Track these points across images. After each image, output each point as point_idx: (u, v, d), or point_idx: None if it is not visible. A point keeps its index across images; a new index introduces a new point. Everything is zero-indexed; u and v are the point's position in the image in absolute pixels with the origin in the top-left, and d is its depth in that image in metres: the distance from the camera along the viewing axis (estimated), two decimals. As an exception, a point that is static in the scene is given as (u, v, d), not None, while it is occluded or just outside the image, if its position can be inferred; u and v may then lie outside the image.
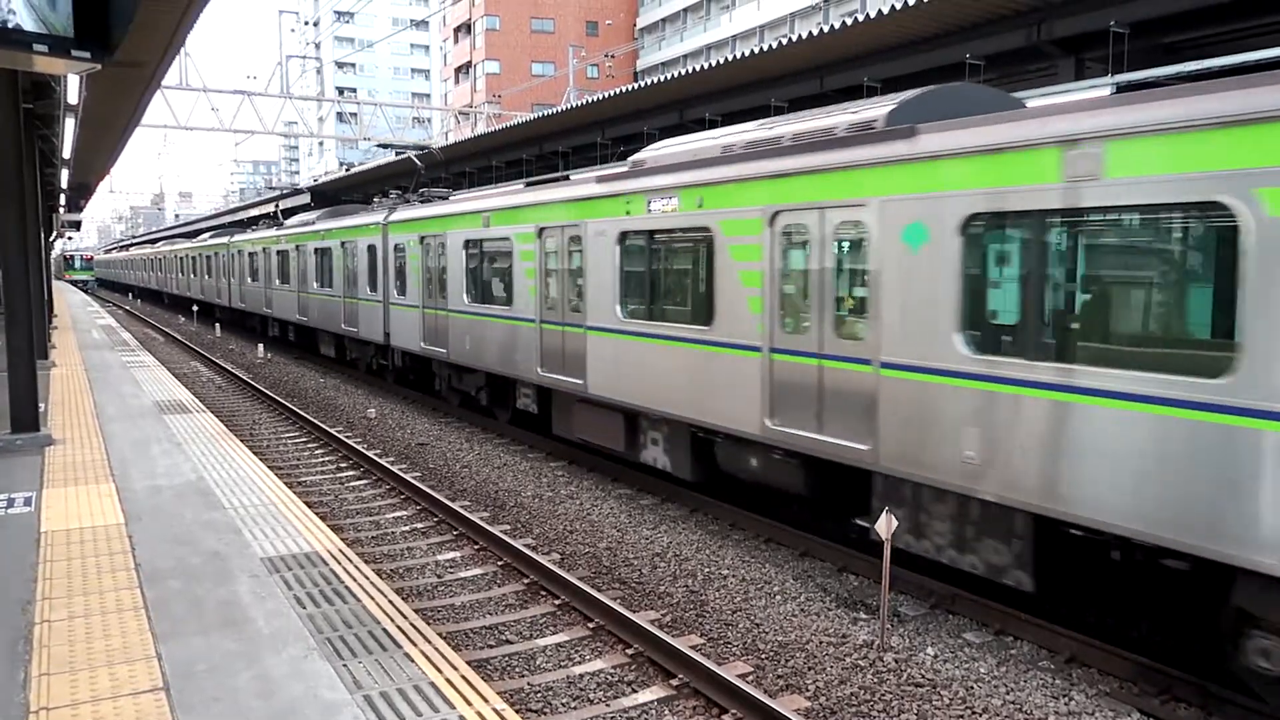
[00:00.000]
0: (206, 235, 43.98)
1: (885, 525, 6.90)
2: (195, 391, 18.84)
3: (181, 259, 47.47)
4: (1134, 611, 7.25)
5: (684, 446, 10.17)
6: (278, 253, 27.32)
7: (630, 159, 11.09)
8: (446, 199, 17.51)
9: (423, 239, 16.45)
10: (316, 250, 23.42)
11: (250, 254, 31.06)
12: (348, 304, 20.88)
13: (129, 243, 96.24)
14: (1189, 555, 5.57)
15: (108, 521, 6.77)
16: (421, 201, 18.73)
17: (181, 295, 47.63)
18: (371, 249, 19.25)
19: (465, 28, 78.40)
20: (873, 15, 12.26)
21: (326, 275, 22.62)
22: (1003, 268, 6.77)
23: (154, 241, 73.38)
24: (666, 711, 6.03)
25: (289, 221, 27.53)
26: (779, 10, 61.37)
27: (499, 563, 8.86)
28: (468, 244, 14.66)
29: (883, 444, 7.39)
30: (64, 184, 26.44)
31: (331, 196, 37.05)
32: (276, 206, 40.22)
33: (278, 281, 27.44)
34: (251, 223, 42.28)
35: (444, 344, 15.60)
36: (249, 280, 31.47)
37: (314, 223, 24.12)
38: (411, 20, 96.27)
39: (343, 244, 21.12)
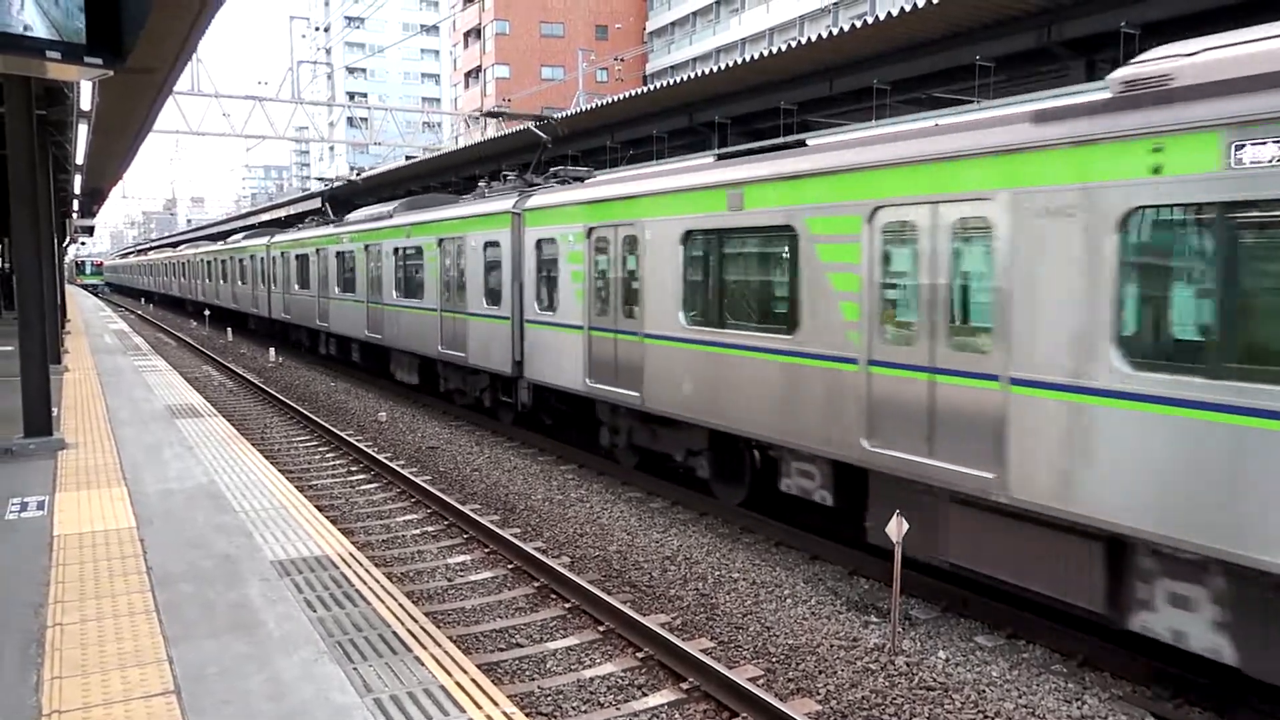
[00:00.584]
0: (239, 236, 38.67)
1: (896, 528, 6.87)
2: (207, 395, 18.92)
3: (208, 263, 41.80)
4: None
5: None
6: (338, 255, 22.67)
7: (1117, 75, 6.28)
8: (583, 181, 13.59)
9: (591, 232, 11.82)
10: (398, 250, 18.70)
11: (298, 256, 26.32)
12: (448, 320, 16.29)
13: (147, 246, 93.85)
14: None
15: (120, 525, 6.80)
16: (559, 183, 14.38)
17: (209, 304, 42.40)
18: (492, 247, 14.61)
19: (475, 32, 78.66)
20: (882, 18, 12.24)
21: (413, 282, 18.09)
22: None
23: (175, 245, 67.82)
24: (677, 715, 6.02)
25: (352, 216, 23.09)
26: (788, 13, 61.37)
27: (509, 566, 8.86)
28: (691, 238, 10.06)
29: None
30: (77, 190, 26.60)
31: (344, 199, 36.72)
32: (324, 201, 34.60)
33: (337, 290, 22.72)
34: (290, 221, 38.10)
35: (633, 383, 10.95)
36: (295, 288, 26.65)
37: (391, 216, 19.60)
38: (422, 26, 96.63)
39: (440, 241, 16.53)
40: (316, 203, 37.31)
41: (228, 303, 37.79)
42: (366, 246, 20.58)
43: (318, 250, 24.43)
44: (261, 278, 31.38)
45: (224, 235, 50.67)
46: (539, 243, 13.28)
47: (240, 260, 34.76)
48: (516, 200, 14.06)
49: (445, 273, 16.49)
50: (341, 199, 36.58)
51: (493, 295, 14.68)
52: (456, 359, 16.02)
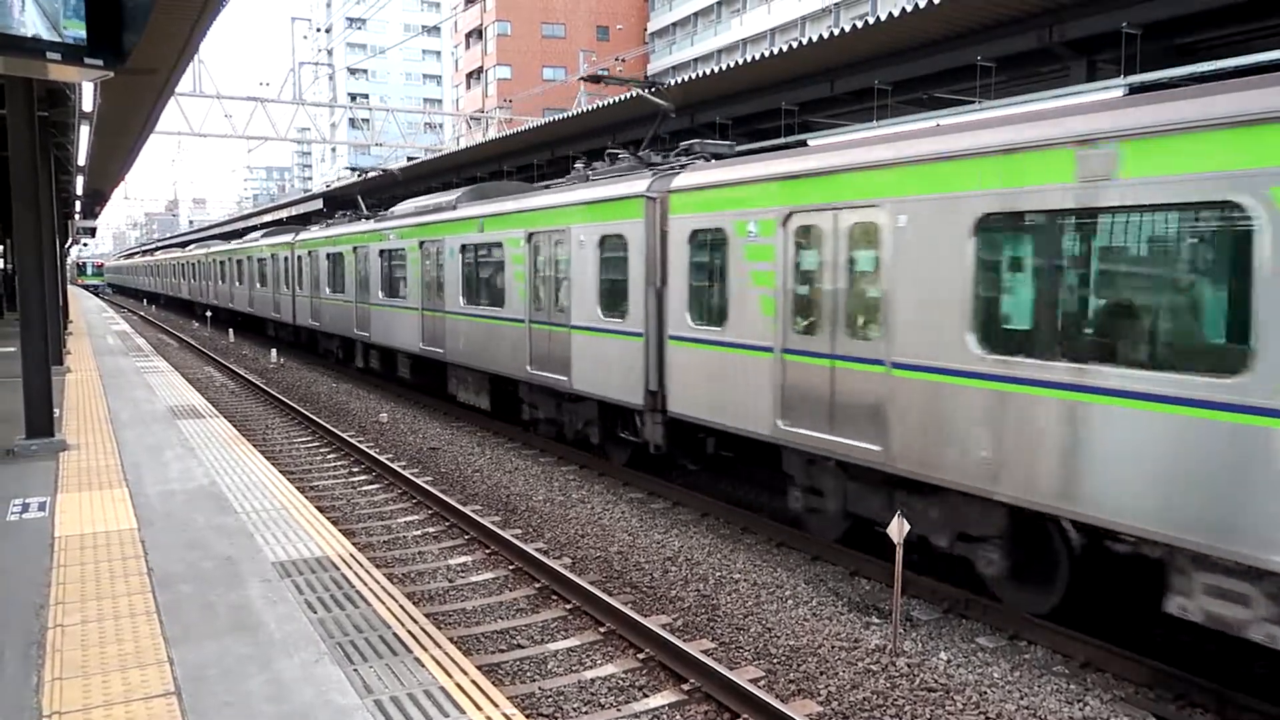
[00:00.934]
0: (257, 234, 35.19)
1: (897, 529, 6.87)
2: (208, 396, 18.94)
3: (221, 263, 38.31)
4: None
5: None
6: (382, 253, 19.69)
7: None
8: (723, 158, 10.70)
9: (789, 219, 8.67)
10: (466, 248, 15.65)
11: (330, 256, 23.38)
12: (540, 334, 13.20)
13: (153, 245, 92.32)
14: None
15: (121, 526, 6.81)
16: (694, 157, 11.31)
17: (224, 308, 39.02)
18: (613, 242, 11.49)
19: (477, 33, 78.77)
20: (883, 18, 12.23)
21: (489, 286, 15.00)
22: None
23: (184, 244, 63.95)
24: (678, 716, 6.01)
25: (398, 209, 20.04)
26: (789, 14, 61.40)
27: (510, 567, 8.86)
28: (992, 225, 6.92)
29: None
30: (79, 191, 26.65)
31: (344, 202, 36.44)
32: (356, 194, 30.74)
33: (382, 294, 19.73)
34: (304, 219, 35.06)
35: (867, 431, 7.87)
36: (327, 291, 23.69)
37: (454, 207, 16.43)
38: (423, 26, 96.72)
39: (529, 237, 13.39)
40: (318, 203, 36.24)
41: (243, 307, 34.55)
42: (422, 244, 17.41)
43: (355, 249, 21.34)
44: (284, 280, 28.06)
45: (239, 233, 47.27)
46: (694, 235, 10.12)
47: (259, 260, 31.29)
48: (652, 182, 10.89)
49: (536, 275, 13.37)
50: (341, 200, 36.22)
51: (613, 303, 11.54)
52: (553, 383, 12.85)
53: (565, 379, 12.52)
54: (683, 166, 10.98)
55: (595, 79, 15.07)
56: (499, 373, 14.58)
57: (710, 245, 9.96)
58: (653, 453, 11.26)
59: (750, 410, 9.24)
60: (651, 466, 12.03)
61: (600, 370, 11.75)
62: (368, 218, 22.23)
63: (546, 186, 14.76)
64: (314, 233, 25.42)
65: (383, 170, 29.34)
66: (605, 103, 19.76)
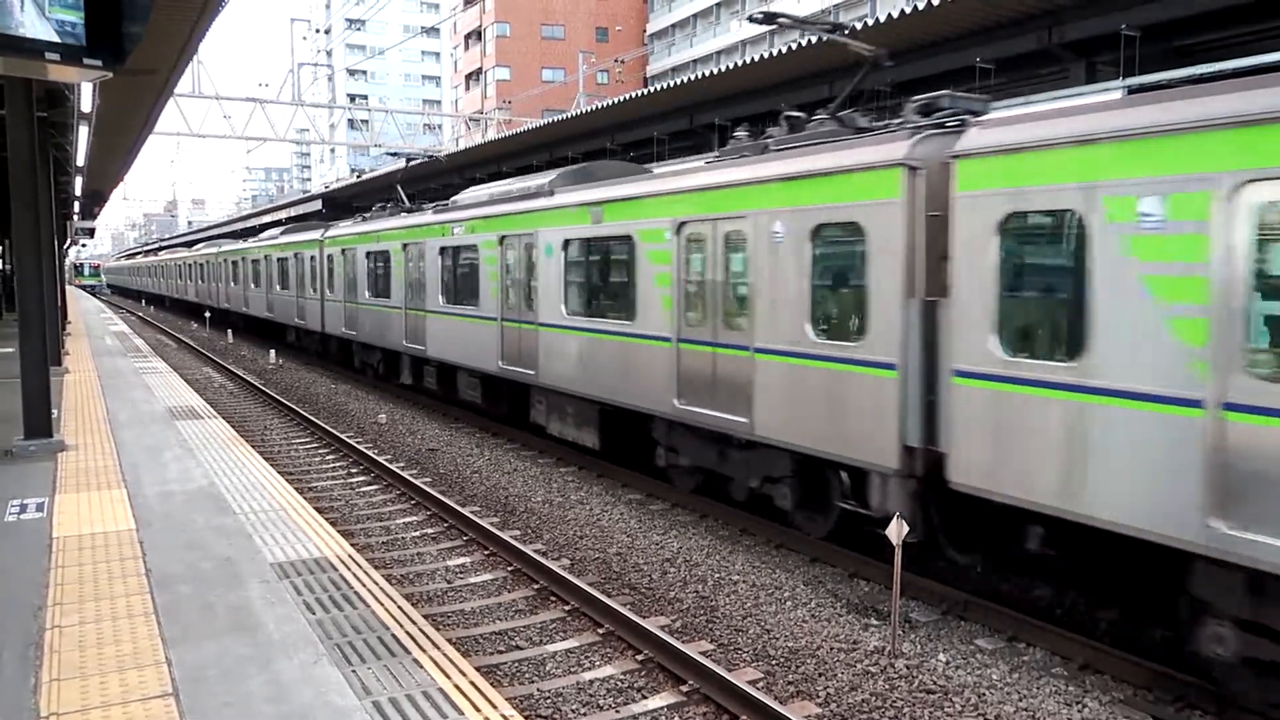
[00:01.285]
0: (276, 230, 32.40)
1: (896, 530, 6.87)
2: (207, 397, 18.92)
3: (234, 264, 35.04)
4: None
5: None
6: (444, 251, 16.56)
7: None
8: (978, 115, 7.89)
9: (1242, 190, 5.34)
10: (570, 244, 12.36)
11: (371, 254, 20.39)
12: (695, 357, 10.01)
13: (157, 245, 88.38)
14: None
15: (119, 527, 6.80)
16: (941, 116, 8.02)
17: (236, 313, 35.69)
18: (836, 234, 8.38)
19: (476, 34, 78.86)
20: (881, 20, 12.25)
21: (605, 293, 11.95)
22: None
23: (190, 244, 59.71)
24: (677, 718, 6.01)
25: (464, 197, 16.82)
26: (789, 15, 61.42)
27: (509, 568, 8.86)
28: None
29: None
30: (78, 192, 26.64)
31: (343, 203, 36.38)
32: (397, 184, 26.47)
33: (442, 300, 16.62)
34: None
35: None
36: (366, 295, 20.72)
37: (551, 192, 13.16)
38: (422, 27, 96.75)
39: (679, 228, 10.19)
40: (316, 204, 36.14)
41: (260, 312, 31.00)
42: (503, 238, 14.21)
43: (405, 245, 18.26)
44: (311, 282, 24.94)
45: (252, 231, 44.21)
46: (1009, 221, 6.78)
47: (280, 260, 28.03)
48: (914, 145, 7.62)
49: (690, 278, 10.19)
50: (341, 201, 36.11)
51: (837, 319, 8.48)
52: (720, 424, 9.66)
53: (743, 420, 9.30)
54: (939, 127, 7.79)
55: (770, 18, 11.51)
56: (622, 404, 11.39)
57: (1046, 235, 6.80)
58: (915, 536, 7.45)
59: (1142, 496, 5.91)
60: (870, 548, 8.71)
61: (807, 412, 8.55)
62: (411, 210, 19.66)
63: (646, 170, 12.37)
64: (349, 227, 22.33)
65: (429, 155, 26.78)
66: (608, 103, 19.67)
